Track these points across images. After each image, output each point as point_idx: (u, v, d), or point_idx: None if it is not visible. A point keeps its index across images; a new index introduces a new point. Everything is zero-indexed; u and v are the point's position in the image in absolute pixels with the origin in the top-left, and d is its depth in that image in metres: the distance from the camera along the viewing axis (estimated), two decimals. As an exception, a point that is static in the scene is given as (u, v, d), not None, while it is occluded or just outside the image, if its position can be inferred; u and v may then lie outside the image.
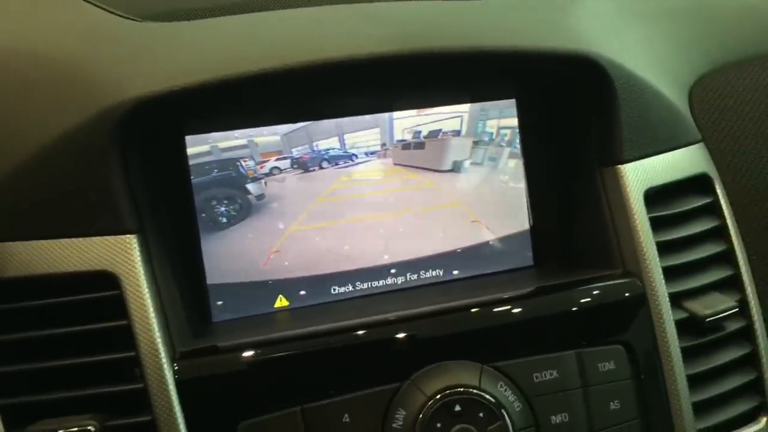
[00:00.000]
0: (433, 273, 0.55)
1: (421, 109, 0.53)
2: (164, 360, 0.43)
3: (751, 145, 0.60)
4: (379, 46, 0.47)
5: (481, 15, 0.53)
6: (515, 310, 0.48)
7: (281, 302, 0.52)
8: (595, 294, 0.50)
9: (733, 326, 0.52)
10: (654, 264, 0.50)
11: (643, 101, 0.53)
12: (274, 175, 0.51)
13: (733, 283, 0.54)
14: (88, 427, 0.41)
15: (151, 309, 0.44)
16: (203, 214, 0.50)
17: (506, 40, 0.50)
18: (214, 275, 0.50)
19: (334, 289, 0.53)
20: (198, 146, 0.50)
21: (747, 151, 0.60)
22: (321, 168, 0.52)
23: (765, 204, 0.58)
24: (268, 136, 0.51)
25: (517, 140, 0.56)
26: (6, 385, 0.43)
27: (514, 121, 0.56)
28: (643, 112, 0.53)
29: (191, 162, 0.50)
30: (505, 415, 0.44)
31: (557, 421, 0.46)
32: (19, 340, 0.43)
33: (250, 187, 0.51)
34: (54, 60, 0.48)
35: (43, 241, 0.44)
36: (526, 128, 0.56)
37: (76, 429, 0.41)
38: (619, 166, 0.52)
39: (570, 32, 0.53)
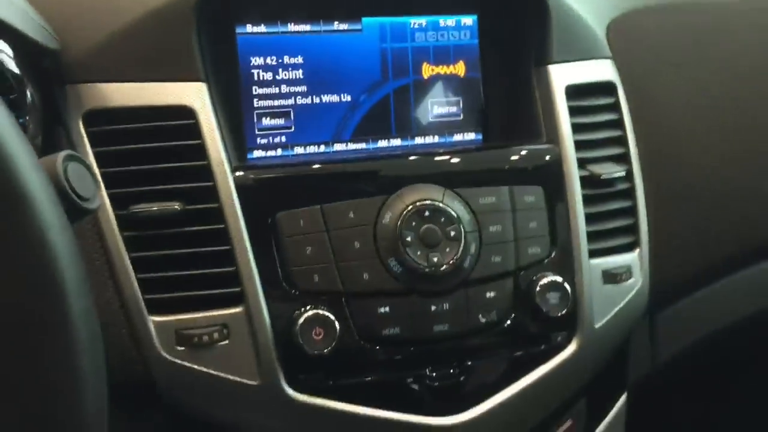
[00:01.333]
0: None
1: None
2: (227, 167, 0.62)
3: (646, 64, 0.81)
4: None
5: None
6: (470, 156, 0.69)
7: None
8: (524, 154, 0.70)
9: (620, 186, 0.73)
10: (568, 138, 0.71)
11: (569, 22, 0.74)
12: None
13: (624, 157, 0.74)
14: (174, 206, 0.60)
15: (217, 133, 0.62)
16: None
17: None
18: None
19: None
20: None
21: (644, 69, 0.81)
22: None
23: (655, 110, 0.80)
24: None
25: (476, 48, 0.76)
26: (112, 181, 0.61)
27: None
28: (568, 30, 0.73)
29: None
30: (459, 221, 0.65)
31: (493, 230, 0.66)
32: (126, 152, 0.61)
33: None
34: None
35: (142, 83, 0.62)
36: (483, 38, 0.76)
37: (165, 206, 0.60)
38: (549, 66, 0.72)
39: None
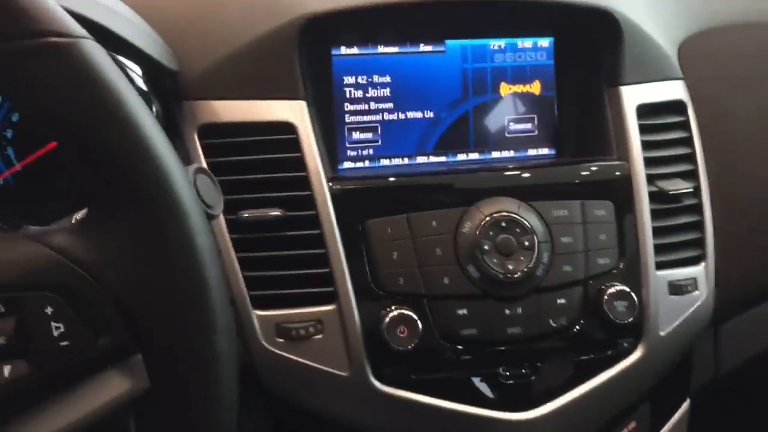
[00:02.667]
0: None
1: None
2: (323, 178, 0.69)
3: (717, 83, 0.85)
4: None
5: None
6: (544, 171, 0.74)
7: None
8: (596, 169, 0.75)
9: (688, 201, 0.77)
10: (638, 155, 0.75)
11: (641, 44, 0.78)
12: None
13: (692, 174, 0.78)
14: (277, 212, 0.67)
15: (315, 147, 0.69)
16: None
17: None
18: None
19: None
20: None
21: (715, 88, 0.84)
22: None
23: (725, 128, 0.83)
24: None
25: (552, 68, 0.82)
26: (223, 189, 0.68)
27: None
28: (640, 52, 0.78)
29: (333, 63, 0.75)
30: (533, 231, 0.70)
31: (565, 241, 0.71)
32: (235, 163, 0.68)
33: (373, 80, 0.77)
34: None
35: (250, 101, 0.70)
36: (559, 59, 0.81)
37: (268, 212, 0.67)
38: (620, 87, 0.76)
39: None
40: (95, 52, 0.39)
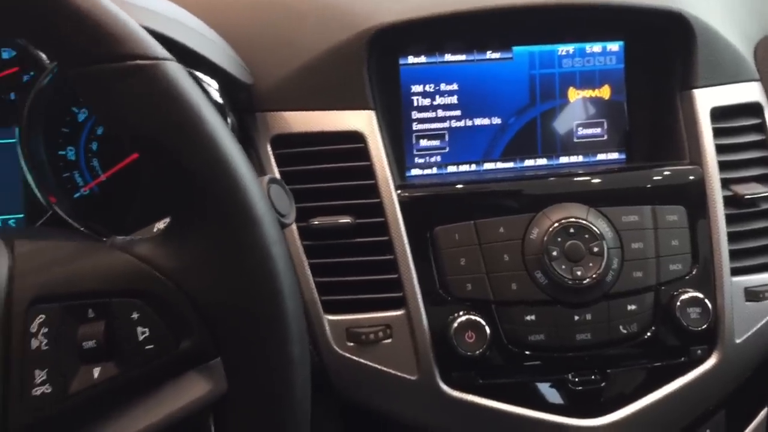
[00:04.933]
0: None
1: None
2: (392, 186, 0.70)
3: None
4: None
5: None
6: (613, 176, 0.73)
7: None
8: (667, 174, 0.74)
9: (764, 206, 0.75)
10: (712, 158, 0.74)
11: (714, 46, 0.76)
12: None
13: (768, 178, 0.77)
14: (347, 220, 0.69)
15: (384, 155, 0.71)
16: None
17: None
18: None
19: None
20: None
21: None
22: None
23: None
24: None
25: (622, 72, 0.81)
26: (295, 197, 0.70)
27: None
28: (713, 54, 0.76)
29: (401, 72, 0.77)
30: (602, 237, 0.69)
31: (635, 247, 0.70)
32: (306, 172, 0.71)
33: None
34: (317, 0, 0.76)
35: (320, 111, 0.72)
36: (629, 63, 0.80)
37: (339, 220, 0.69)
38: (694, 90, 0.75)
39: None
40: (177, 72, 0.42)
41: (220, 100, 0.68)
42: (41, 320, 0.41)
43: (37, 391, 0.40)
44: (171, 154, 0.41)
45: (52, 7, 0.39)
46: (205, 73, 0.65)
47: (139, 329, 0.41)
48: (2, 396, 0.40)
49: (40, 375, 0.40)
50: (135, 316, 0.41)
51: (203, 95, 0.42)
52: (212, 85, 0.66)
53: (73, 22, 0.40)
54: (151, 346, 0.42)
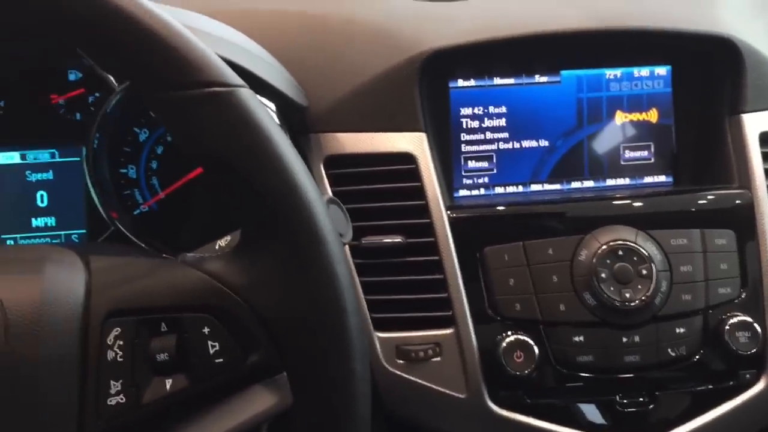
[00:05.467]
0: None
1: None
2: (442, 206, 0.71)
3: None
4: (588, 23, 0.74)
5: (650, 3, 0.79)
6: (662, 199, 0.74)
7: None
8: (716, 198, 0.74)
9: (817, 228, 0.75)
10: (761, 182, 0.74)
11: (762, 71, 0.76)
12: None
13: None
14: (398, 239, 0.71)
15: (434, 177, 0.72)
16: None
17: (673, 23, 0.76)
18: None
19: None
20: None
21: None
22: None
23: None
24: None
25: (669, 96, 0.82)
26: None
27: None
28: (761, 78, 0.77)
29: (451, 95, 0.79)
30: (651, 260, 0.70)
31: (684, 270, 0.71)
32: (358, 192, 0.72)
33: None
34: (369, 24, 0.78)
35: (373, 133, 0.74)
36: (677, 87, 0.81)
37: (391, 239, 0.71)
38: (742, 114, 0.76)
39: (715, 19, 0.78)
40: (250, 99, 0.44)
41: (278, 122, 0.70)
42: (117, 333, 0.43)
43: (112, 401, 0.42)
44: (243, 176, 0.43)
45: (134, 35, 0.42)
46: (266, 96, 0.68)
47: (210, 343, 0.43)
48: (78, 405, 0.41)
49: (114, 386, 0.42)
50: (206, 330, 0.43)
51: (274, 121, 0.44)
52: (270, 107, 0.69)
53: (153, 49, 0.42)
54: (221, 360, 0.43)
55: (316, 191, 0.45)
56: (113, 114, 0.69)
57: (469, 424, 0.70)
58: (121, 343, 0.43)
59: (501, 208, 0.73)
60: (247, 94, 0.44)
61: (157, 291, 0.44)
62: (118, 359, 0.43)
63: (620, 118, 0.81)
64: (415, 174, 0.71)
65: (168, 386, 0.43)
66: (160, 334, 0.43)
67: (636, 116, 0.81)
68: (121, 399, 0.42)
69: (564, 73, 0.80)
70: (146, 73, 0.43)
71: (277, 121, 0.69)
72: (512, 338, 0.68)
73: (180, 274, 0.45)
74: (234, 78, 0.44)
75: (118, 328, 0.43)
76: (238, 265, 0.45)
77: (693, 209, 0.73)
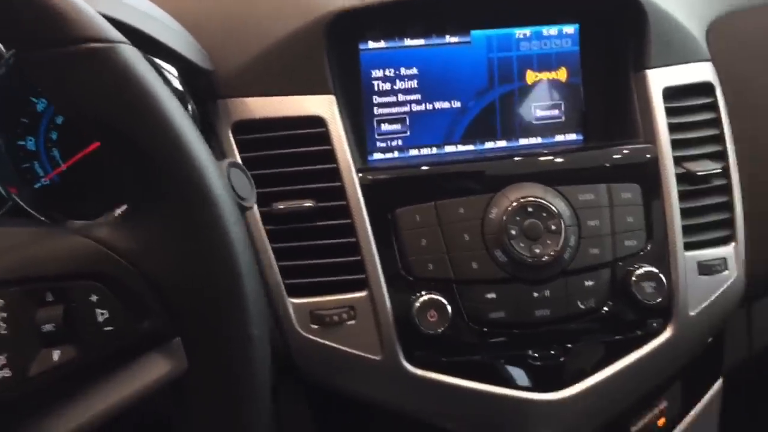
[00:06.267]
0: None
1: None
2: (353, 169, 0.71)
3: (746, 64, 0.84)
4: None
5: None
6: (570, 156, 0.75)
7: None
8: (622, 153, 0.75)
9: (716, 182, 0.77)
10: (665, 137, 0.75)
11: (666, 27, 0.78)
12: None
13: (721, 155, 0.77)
14: (308, 204, 0.70)
15: (344, 140, 0.71)
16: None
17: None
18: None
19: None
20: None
21: (744, 69, 0.84)
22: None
23: (754, 108, 0.83)
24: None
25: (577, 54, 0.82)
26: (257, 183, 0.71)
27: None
28: (665, 35, 0.78)
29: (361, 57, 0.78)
30: (560, 216, 0.71)
31: (592, 224, 0.72)
32: (268, 157, 0.71)
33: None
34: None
35: (281, 97, 0.72)
36: (584, 45, 0.82)
37: (301, 204, 0.70)
38: (646, 70, 0.77)
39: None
40: (132, 56, 0.42)
41: (180, 87, 0.68)
42: (0, 305, 0.41)
43: (-3, 375, 0.41)
44: (127, 137, 0.42)
45: None
46: (165, 60, 0.66)
47: (98, 311, 0.42)
48: None
49: (-1, 359, 0.41)
50: (94, 298, 0.42)
51: (159, 79, 0.43)
52: (172, 72, 0.66)
53: (24, 5, 0.40)
54: (111, 328, 0.42)
55: (205, 151, 0.44)
56: (3, 83, 0.66)
57: (385, 386, 0.71)
58: (5, 315, 0.41)
59: (411, 169, 0.73)
60: (128, 50, 0.42)
61: (40, 259, 0.42)
62: (2, 332, 0.41)
63: (531, 77, 0.81)
64: (324, 137, 0.71)
65: (56, 358, 0.42)
66: (46, 304, 0.42)
67: (546, 75, 0.82)
68: (7, 373, 0.41)
69: (474, 33, 0.80)
70: (18, 31, 0.41)
71: (178, 86, 0.68)
72: (426, 298, 0.68)
73: (65, 242, 0.43)
74: (113, 34, 0.42)
75: (1, 300, 0.41)
76: (126, 230, 0.43)
77: (600, 165, 0.74)
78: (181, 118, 0.43)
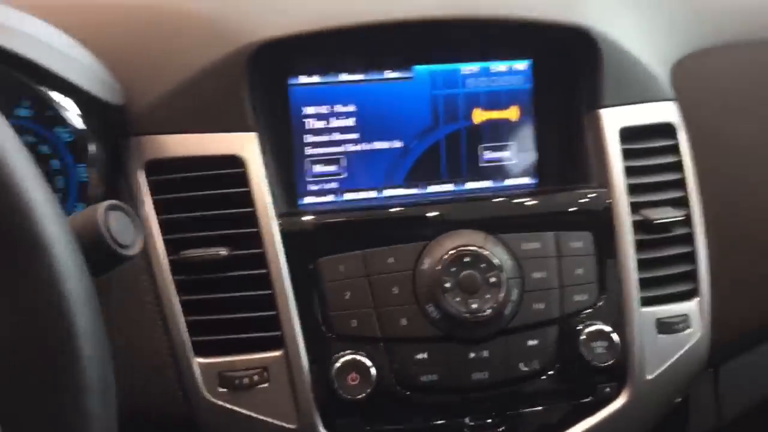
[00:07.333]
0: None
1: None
2: (271, 213, 0.64)
3: (712, 105, 0.78)
4: (439, 11, 0.68)
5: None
6: (516, 201, 0.69)
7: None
8: (571, 198, 0.69)
9: (678, 230, 0.70)
10: (619, 181, 0.69)
11: (624, 65, 0.72)
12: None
13: (683, 201, 0.71)
14: (221, 252, 0.63)
15: (264, 181, 0.65)
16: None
17: (528, 11, 0.71)
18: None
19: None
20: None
21: (710, 110, 0.78)
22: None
23: (720, 152, 0.77)
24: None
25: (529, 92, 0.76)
26: (168, 227, 0.64)
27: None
28: (622, 73, 0.72)
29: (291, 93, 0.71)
30: (500, 267, 0.64)
31: (537, 276, 0.65)
32: (181, 200, 0.65)
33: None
34: (197, 14, 0.70)
35: (198, 134, 0.66)
36: (537, 83, 0.75)
37: (212, 251, 0.63)
38: (600, 109, 0.71)
39: (574, 9, 0.73)
40: None
41: (79, 124, 0.62)
42: None
43: None
44: None
45: None
46: (59, 92, 0.60)
47: None
48: None
49: None
50: None
51: None
52: (65, 106, 0.60)
53: None
54: None
55: (39, 186, 0.37)
56: None
57: None
58: None
59: (338, 213, 0.67)
60: None
61: None
62: None
63: (478, 116, 0.75)
64: (242, 178, 0.64)
65: None
66: None
67: (495, 114, 0.76)
68: None
69: (416, 68, 0.74)
70: None
71: (76, 122, 0.61)
72: (347, 358, 0.61)
73: None
74: None
75: None
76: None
77: (548, 211, 0.68)
78: (11, 151, 0.36)
